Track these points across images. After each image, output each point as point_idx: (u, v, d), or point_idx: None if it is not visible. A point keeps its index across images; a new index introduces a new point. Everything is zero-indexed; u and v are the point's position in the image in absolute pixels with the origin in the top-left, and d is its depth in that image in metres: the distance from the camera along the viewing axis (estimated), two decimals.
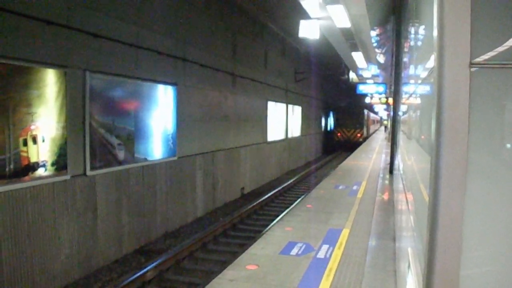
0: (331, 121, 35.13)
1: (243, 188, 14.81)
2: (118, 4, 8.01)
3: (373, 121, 50.63)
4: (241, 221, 11.09)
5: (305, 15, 10.96)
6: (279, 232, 6.91)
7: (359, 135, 33.44)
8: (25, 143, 5.95)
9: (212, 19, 11.98)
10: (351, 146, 30.59)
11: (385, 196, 10.09)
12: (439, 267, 1.51)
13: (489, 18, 1.46)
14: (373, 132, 48.86)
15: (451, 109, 1.45)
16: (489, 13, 1.46)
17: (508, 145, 1.50)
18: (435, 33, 1.52)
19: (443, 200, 1.48)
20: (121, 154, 8.10)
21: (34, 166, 6.13)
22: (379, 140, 35.61)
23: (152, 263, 7.53)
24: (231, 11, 13.28)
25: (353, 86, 29.62)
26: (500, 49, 1.45)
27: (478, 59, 1.44)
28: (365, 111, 36.70)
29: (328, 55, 21.61)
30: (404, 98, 6.66)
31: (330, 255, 5.75)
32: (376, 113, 52.38)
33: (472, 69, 1.44)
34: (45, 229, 6.40)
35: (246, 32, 14.88)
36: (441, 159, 1.48)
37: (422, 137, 2.41)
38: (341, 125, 33.59)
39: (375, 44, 16.10)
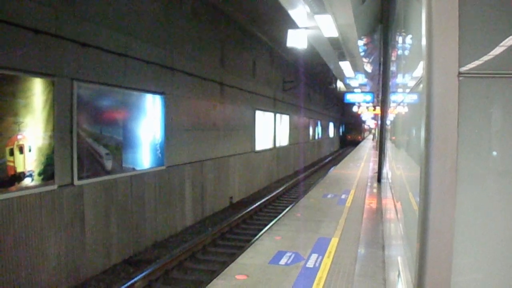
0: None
1: (231, 197, 14.77)
2: (107, 14, 7.98)
3: (366, 129, 76.59)
4: (230, 230, 11.04)
5: (293, 25, 11.04)
6: (268, 242, 6.90)
7: (359, 137, 60.44)
8: (11, 153, 5.88)
9: (200, 28, 12.00)
10: (355, 143, 53.12)
11: (374, 205, 10.13)
12: (430, 275, 1.51)
13: (477, 28, 1.48)
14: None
15: (440, 118, 1.47)
16: (477, 22, 1.48)
17: (497, 153, 1.51)
18: (423, 42, 1.54)
19: (433, 208, 1.49)
20: (109, 164, 8.04)
21: (20, 176, 6.05)
22: (366, 148, 36.24)
23: (141, 273, 7.46)
24: (219, 20, 13.32)
25: (341, 95, 30.21)
26: (488, 58, 1.47)
27: (466, 69, 1.46)
28: (362, 124, 60.79)
29: (316, 65, 21.78)
30: (392, 107, 6.71)
31: (320, 264, 5.75)
32: (364, 122, 59.82)
33: (461, 78, 1.46)
34: (32, 239, 6.30)
35: (235, 41, 14.92)
36: (431, 168, 1.49)
37: (411, 146, 2.42)
38: (350, 131, 61.83)
39: (362, 53, 16.25)
